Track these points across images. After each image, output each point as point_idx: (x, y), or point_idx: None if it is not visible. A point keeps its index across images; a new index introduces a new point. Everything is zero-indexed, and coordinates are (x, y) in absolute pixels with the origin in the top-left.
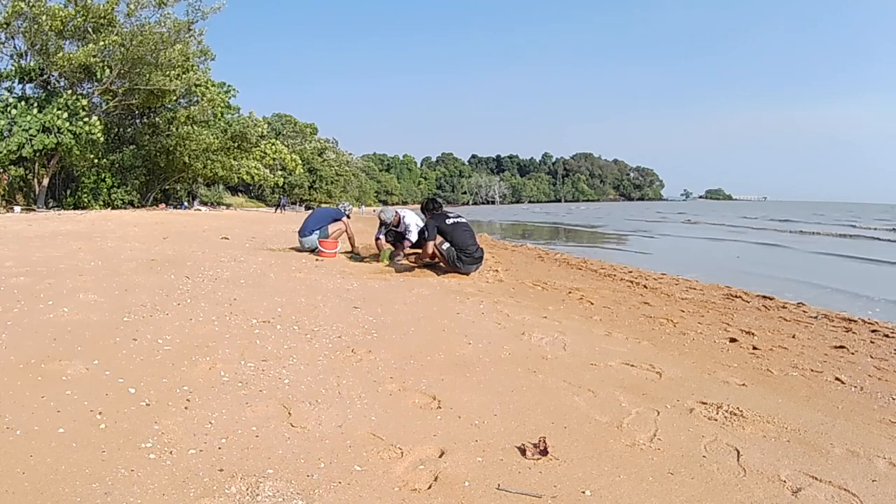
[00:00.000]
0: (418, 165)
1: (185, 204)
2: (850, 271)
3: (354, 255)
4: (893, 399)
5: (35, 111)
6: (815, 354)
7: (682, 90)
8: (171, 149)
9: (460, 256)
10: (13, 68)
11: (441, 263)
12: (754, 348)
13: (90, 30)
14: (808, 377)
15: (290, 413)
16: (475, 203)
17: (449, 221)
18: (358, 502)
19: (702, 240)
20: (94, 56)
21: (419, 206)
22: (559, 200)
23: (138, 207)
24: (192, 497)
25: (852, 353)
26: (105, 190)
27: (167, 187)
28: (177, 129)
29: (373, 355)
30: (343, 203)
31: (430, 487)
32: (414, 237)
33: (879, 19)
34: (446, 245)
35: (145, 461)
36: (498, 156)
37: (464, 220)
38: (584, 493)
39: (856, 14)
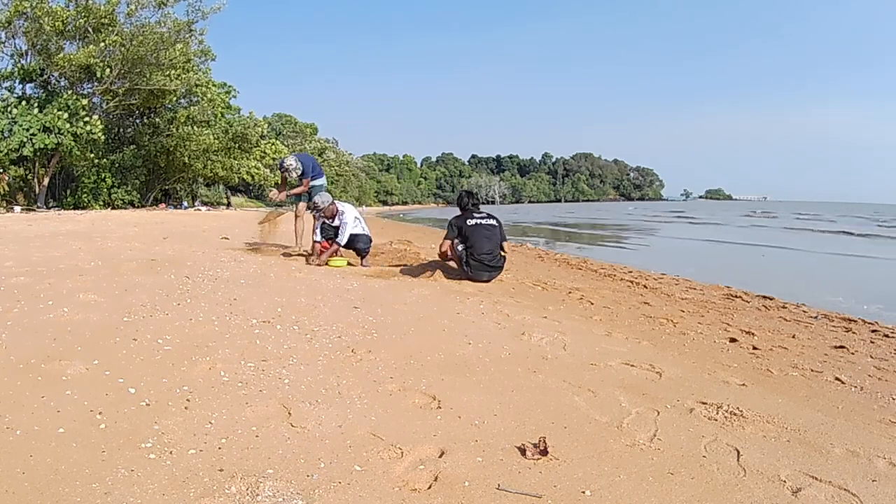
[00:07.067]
0: (418, 165)
1: (186, 204)
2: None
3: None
4: (893, 399)
5: (35, 111)
6: (815, 354)
7: (682, 90)
8: (171, 149)
9: (468, 260)
10: (14, 68)
11: (453, 264)
12: (754, 348)
13: (91, 30)
14: (808, 377)
15: (290, 413)
16: None
17: (470, 222)
18: (358, 502)
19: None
20: (95, 57)
21: (416, 206)
22: (559, 200)
23: (138, 207)
24: (192, 497)
25: (852, 353)
26: (105, 190)
27: (167, 187)
28: (177, 129)
29: (373, 355)
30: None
31: (430, 487)
32: (344, 239)
33: (880, 23)
34: (461, 246)
35: (145, 461)
36: (498, 156)
37: (491, 222)
38: (584, 493)
39: (856, 17)
